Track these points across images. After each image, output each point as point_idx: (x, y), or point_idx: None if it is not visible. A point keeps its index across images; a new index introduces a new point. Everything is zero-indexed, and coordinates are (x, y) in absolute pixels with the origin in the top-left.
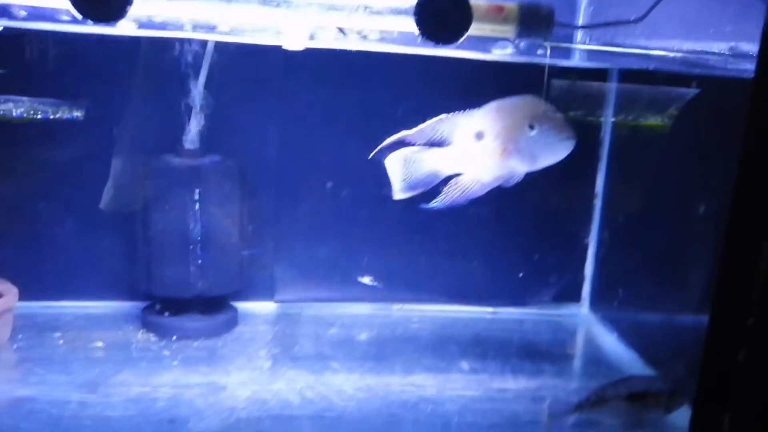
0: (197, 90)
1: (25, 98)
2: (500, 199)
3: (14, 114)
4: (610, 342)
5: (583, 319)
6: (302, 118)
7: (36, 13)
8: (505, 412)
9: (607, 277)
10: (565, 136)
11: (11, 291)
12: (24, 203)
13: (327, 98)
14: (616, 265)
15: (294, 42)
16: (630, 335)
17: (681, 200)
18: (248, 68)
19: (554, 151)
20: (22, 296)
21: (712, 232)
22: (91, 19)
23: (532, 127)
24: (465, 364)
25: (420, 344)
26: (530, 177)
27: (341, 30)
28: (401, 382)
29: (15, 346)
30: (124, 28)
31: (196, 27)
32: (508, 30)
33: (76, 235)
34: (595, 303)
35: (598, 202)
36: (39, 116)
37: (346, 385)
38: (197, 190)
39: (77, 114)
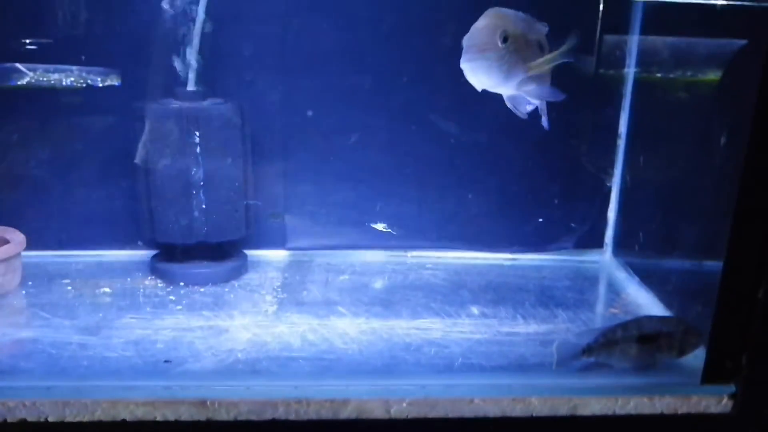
0: (195, 30)
1: (74, 67)
2: (518, 140)
3: (64, 83)
4: (631, 287)
5: (604, 265)
6: (310, 58)
7: None
8: (511, 354)
9: (630, 222)
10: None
11: (18, 238)
12: (36, 157)
13: (335, 35)
14: (638, 208)
15: None
16: (651, 280)
17: (705, 140)
18: (250, 4)
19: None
20: (35, 246)
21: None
22: None
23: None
24: (475, 309)
25: (431, 290)
26: (548, 118)
27: None
28: (406, 326)
29: (24, 292)
30: None
31: None
32: None
33: (88, 185)
34: (618, 248)
35: (621, 143)
36: (89, 84)
37: (350, 329)
38: (197, 134)
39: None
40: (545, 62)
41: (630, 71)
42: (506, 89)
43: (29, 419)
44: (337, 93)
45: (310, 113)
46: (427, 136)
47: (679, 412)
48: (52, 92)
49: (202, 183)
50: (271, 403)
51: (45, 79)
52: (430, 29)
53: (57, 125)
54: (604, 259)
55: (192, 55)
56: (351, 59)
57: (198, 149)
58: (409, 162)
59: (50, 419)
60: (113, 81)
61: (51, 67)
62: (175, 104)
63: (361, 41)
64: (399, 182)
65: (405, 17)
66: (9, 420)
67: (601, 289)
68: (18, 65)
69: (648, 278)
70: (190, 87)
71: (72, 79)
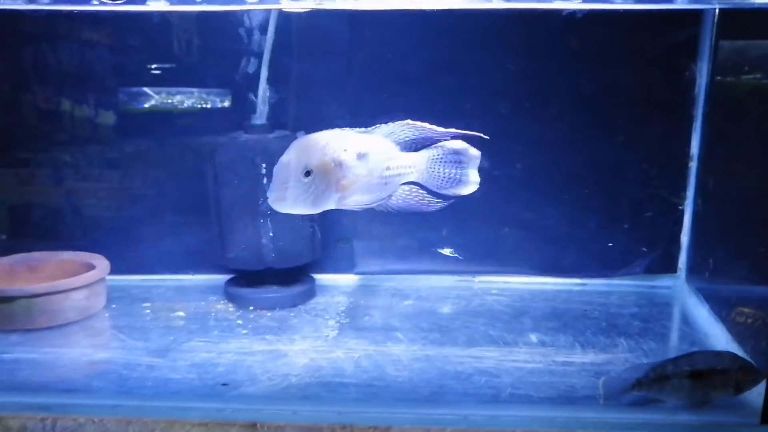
0: (263, 66)
1: (194, 89)
2: (588, 164)
3: (184, 105)
4: (701, 316)
5: (677, 291)
6: (372, 88)
7: None
8: (562, 386)
9: (703, 246)
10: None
11: (102, 264)
12: (125, 190)
13: (395, 65)
14: (711, 232)
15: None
16: (721, 309)
17: None
18: (314, 40)
19: None
20: (123, 270)
21: None
22: None
23: None
24: (534, 337)
25: (492, 317)
26: (617, 139)
27: None
28: (461, 354)
29: (107, 314)
30: (154, 5)
31: None
32: None
33: (172, 214)
34: (691, 274)
35: (693, 165)
36: (209, 106)
37: (404, 356)
38: (263, 165)
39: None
40: (356, 182)
41: (701, 93)
42: (323, 209)
43: None
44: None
45: None
46: (495, 161)
47: None
48: (139, 121)
49: (269, 212)
50: (317, 428)
51: (169, 101)
52: (490, 57)
53: (134, 161)
54: (677, 284)
55: (259, 90)
56: (414, 88)
57: (265, 180)
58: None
59: None
60: (228, 103)
61: (174, 90)
62: (243, 137)
63: (421, 68)
64: (466, 207)
65: (462, 48)
66: None
67: (669, 316)
68: (145, 89)
69: (719, 307)
70: (258, 120)
71: (192, 100)
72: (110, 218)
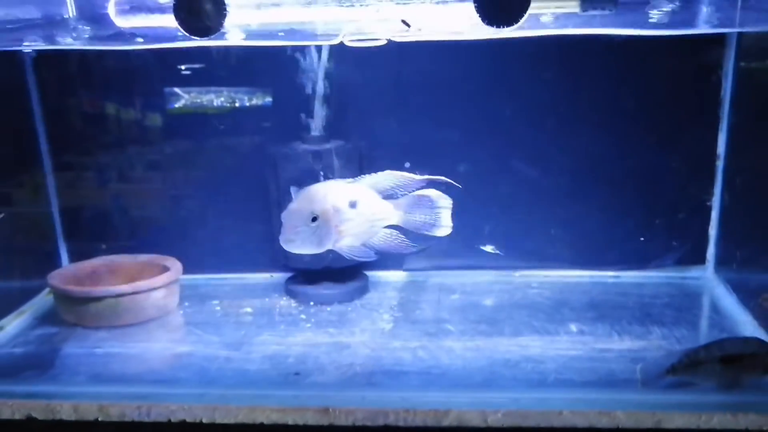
0: (319, 83)
1: (223, 89)
2: (619, 162)
3: (215, 104)
4: (730, 306)
5: (706, 282)
6: (420, 100)
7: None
8: (602, 370)
9: (731, 240)
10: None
11: (176, 265)
12: (191, 192)
13: (444, 82)
14: (738, 226)
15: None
16: (748, 298)
17: None
18: (365, 60)
19: None
20: (192, 270)
21: None
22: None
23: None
24: (574, 327)
25: (534, 308)
26: (648, 140)
27: (405, 22)
28: (508, 343)
29: (181, 311)
30: (233, 38)
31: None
32: (573, 4)
33: (236, 217)
34: (720, 265)
35: (720, 164)
36: (237, 104)
37: (456, 346)
38: (321, 173)
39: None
40: (350, 227)
41: (726, 96)
42: (324, 249)
43: (188, 420)
44: (446, 129)
45: (407, 164)
46: (532, 162)
47: (765, 429)
48: (197, 124)
49: None
50: (383, 411)
51: (199, 100)
52: (531, 67)
53: (200, 165)
54: (706, 275)
55: (317, 104)
56: (466, 106)
57: None
58: (514, 187)
59: (204, 421)
60: (259, 101)
61: (204, 89)
62: (302, 147)
63: (472, 90)
64: (506, 206)
65: (509, 69)
66: (172, 420)
67: (699, 306)
68: (175, 89)
69: (746, 296)
70: (315, 132)
71: (222, 99)
72: (176, 221)
